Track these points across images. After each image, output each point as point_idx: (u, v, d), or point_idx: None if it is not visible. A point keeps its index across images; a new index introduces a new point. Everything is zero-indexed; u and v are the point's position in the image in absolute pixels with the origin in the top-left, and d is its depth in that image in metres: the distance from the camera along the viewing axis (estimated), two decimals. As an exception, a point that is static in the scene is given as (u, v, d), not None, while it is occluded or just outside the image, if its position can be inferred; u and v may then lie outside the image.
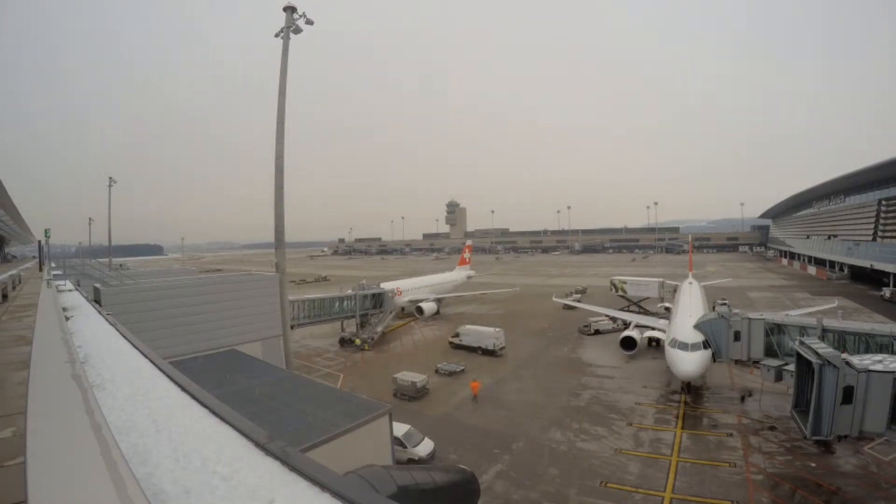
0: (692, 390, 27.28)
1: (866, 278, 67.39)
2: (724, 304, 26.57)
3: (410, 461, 19.58)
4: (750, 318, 24.46)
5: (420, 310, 52.88)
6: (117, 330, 7.73)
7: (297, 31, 25.73)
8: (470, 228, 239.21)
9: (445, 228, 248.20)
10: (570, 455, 20.93)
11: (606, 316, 44.51)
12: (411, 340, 45.29)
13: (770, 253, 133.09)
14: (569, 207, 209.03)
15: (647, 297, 52.16)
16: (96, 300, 17.78)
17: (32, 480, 2.03)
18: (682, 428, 23.15)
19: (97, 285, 21.15)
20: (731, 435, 22.12)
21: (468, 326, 41.10)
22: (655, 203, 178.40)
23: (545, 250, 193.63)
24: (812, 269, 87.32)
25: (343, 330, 45.54)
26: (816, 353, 17.25)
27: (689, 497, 17.38)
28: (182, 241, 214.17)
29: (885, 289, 57.68)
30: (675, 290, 46.81)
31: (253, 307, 25.29)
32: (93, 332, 7.81)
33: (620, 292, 54.16)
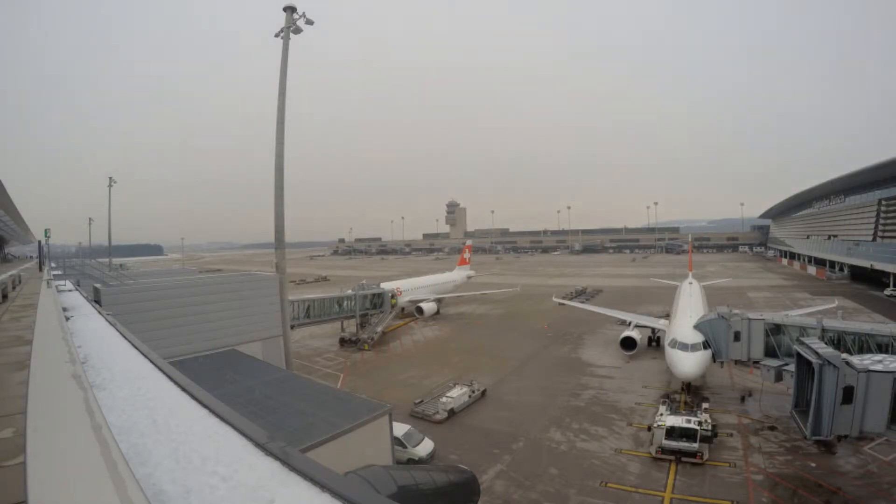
0: (692, 390, 27.29)
1: (866, 278, 67.44)
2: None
3: (410, 461, 19.57)
4: (750, 319, 24.43)
5: (420, 310, 52.86)
6: (117, 330, 7.73)
7: (297, 31, 25.73)
8: (470, 228, 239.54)
9: (445, 228, 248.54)
10: (571, 455, 20.93)
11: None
12: (411, 340, 45.31)
13: (770, 253, 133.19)
14: (569, 207, 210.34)
15: None
16: (96, 300, 17.79)
17: (32, 480, 2.03)
18: (682, 428, 23.12)
19: (97, 285, 21.14)
20: (731, 435, 22.12)
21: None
22: (655, 203, 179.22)
23: (545, 250, 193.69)
24: (812, 269, 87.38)
25: (343, 330, 45.55)
26: (816, 353, 17.26)
27: (689, 497, 17.39)
28: (182, 241, 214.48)
29: (886, 289, 57.91)
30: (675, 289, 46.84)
31: (253, 307, 25.27)
32: (93, 332, 7.81)
33: None
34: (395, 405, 19.58)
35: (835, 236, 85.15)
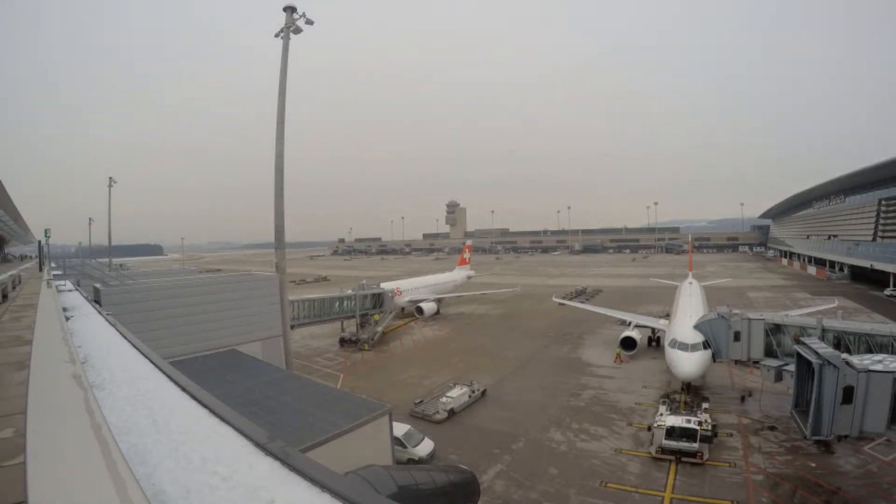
0: (692, 390, 27.29)
1: (866, 278, 67.45)
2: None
3: (410, 461, 19.57)
4: (750, 319, 24.43)
5: (420, 310, 52.87)
6: (117, 330, 7.73)
7: (297, 31, 25.74)
8: (470, 228, 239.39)
9: (445, 228, 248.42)
10: (571, 455, 20.93)
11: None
12: (411, 340, 45.31)
13: (770, 253, 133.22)
14: (569, 207, 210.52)
15: None
16: (96, 300, 17.77)
17: (32, 480, 2.03)
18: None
19: (97, 285, 21.12)
20: (731, 435, 22.12)
21: None
22: (655, 203, 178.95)
23: (545, 250, 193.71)
24: (812, 269, 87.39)
25: (343, 330, 45.56)
26: (816, 353, 17.26)
27: (689, 497, 17.39)
28: (182, 241, 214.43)
29: (886, 289, 58.00)
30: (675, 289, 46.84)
31: (253, 307, 25.25)
32: (93, 332, 7.81)
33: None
34: (395, 405, 19.63)
35: (835, 236, 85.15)
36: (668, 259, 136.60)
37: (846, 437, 17.46)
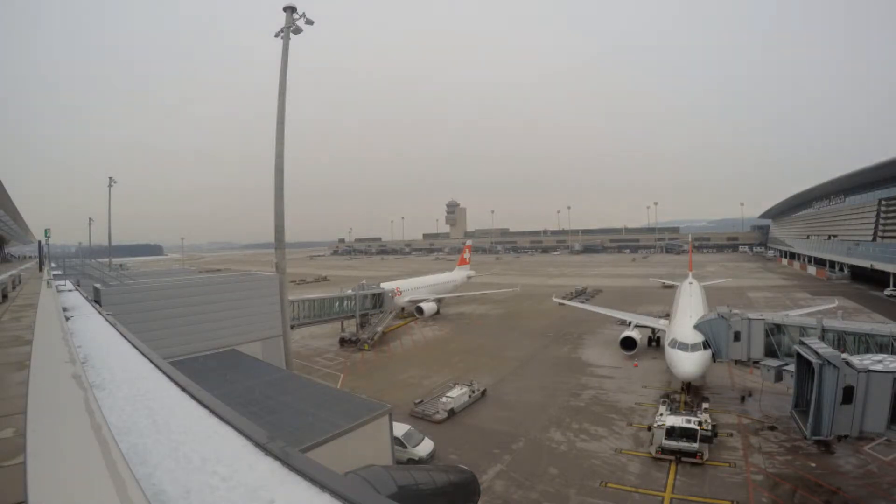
0: (692, 390, 27.29)
1: (866, 278, 67.45)
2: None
3: (410, 461, 19.57)
4: (750, 319, 24.44)
5: (420, 310, 52.87)
6: (117, 330, 7.73)
7: (298, 31, 25.74)
8: (470, 228, 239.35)
9: (445, 228, 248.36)
10: (571, 455, 20.93)
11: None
12: (411, 340, 45.31)
13: (770, 253, 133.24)
14: (569, 207, 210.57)
15: None
16: (96, 300, 17.76)
17: (32, 480, 2.03)
18: (682, 428, 23.10)
19: (97, 285, 21.11)
20: (731, 435, 22.12)
21: None
22: (655, 203, 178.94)
23: (545, 250, 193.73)
24: (812, 269, 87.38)
25: (343, 330, 45.56)
26: (816, 353, 17.26)
27: (689, 497, 17.39)
28: (182, 241, 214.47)
29: (886, 289, 58.05)
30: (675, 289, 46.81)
31: (253, 307, 25.24)
32: (93, 332, 7.81)
33: None
34: (395, 405, 19.61)
35: (835, 236, 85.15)
36: (668, 259, 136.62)
37: (846, 437, 17.47)
